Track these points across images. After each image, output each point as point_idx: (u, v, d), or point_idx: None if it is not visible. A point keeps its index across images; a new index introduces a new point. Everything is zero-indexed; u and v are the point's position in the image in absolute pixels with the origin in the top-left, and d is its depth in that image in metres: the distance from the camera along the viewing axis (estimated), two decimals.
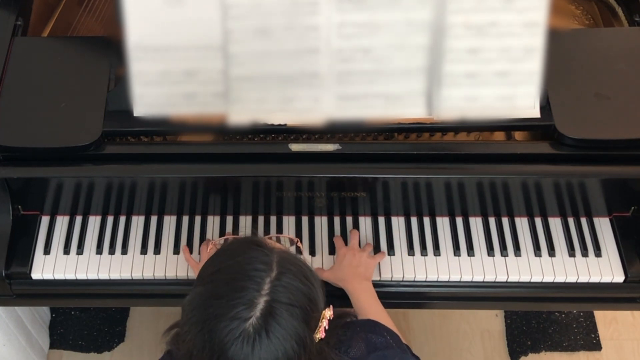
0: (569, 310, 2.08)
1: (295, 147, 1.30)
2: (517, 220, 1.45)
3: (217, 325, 0.87)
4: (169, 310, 2.06)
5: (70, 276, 1.39)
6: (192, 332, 0.91)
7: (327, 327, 0.95)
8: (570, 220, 1.45)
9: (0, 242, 1.37)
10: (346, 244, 1.41)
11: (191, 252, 1.41)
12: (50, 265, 1.39)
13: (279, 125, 1.27)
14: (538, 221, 1.45)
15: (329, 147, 1.30)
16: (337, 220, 1.45)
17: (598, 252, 1.41)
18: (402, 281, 1.40)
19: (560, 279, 1.39)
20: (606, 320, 2.10)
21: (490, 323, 2.09)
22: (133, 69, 1.24)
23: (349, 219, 1.45)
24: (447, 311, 2.10)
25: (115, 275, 1.39)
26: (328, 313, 0.96)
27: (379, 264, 1.40)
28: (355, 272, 1.34)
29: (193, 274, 1.38)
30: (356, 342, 1.08)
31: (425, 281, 1.40)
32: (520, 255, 1.41)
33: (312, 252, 1.42)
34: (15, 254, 1.38)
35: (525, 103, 1.27)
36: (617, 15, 1.56)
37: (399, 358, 1.09)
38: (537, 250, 1.41)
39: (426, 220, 1.45)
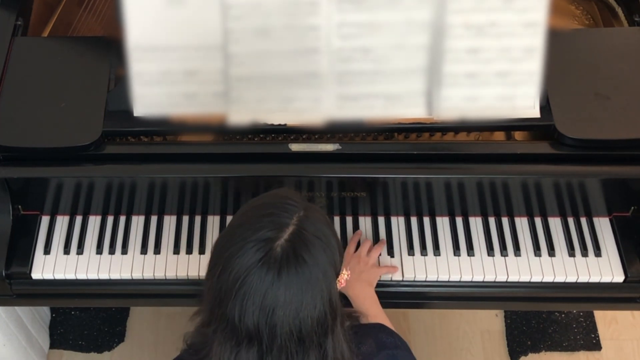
0: (569, 310, 2.08)
1: (295, 147, 1.30)
2: (517, 220, 1.45)
3: (243, 247, 0.86)
4: (169, 310, 2.06)
5: (70, 276, 1.39)
6: (216, 267, 0.88)
7: (346, 280, 0.96)
8: (570, 220, 1.45)
9: (0, 242, 1.37)
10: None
11: (190, 252, 1.40)
12: (50, 265, 1.39)
13: (279, 125, 1.27)
14: (538, 221, 1.45)
15: (329, 147, 1.30)
16: (337, 220, 1.45)
17: (598, 252, 1.41)
18: (402, 281, 1.40)
19: (560, 279, 1.39)
20: (606, 320, 2.10)
21: (490, 323, 2.09)
22: (133, 69, 1.24)
23: (349, 219, 1.45)
24: (447, 311, 2.10)
25: (115, 275, 1.39)
26: (346, 273, 0.97)
27: (380, 263, 1.40)
28: (359, 278, 1.33)
29: (193, 274, 1.38)
30: (366, 339, 1.07)
31: (425, 281, 1.40)
32: (520, 255, 1.41)
33: None
34: (15, 254, 1.38)
35: (525, 103, 1.27)
36: (617, 15, 1.56)
37: None
38: (537, 250, 1.41)
39: (426, 220, 1.45)
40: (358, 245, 1.41)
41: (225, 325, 0.89)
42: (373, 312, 1.28)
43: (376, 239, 1.43)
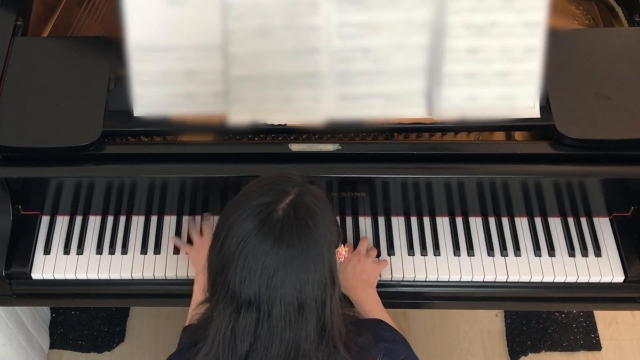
0: (569, 310, 2.08)
1: (295, 147, 1.30)
2: (517, 220, 1.45)
3: (245, 211, 0.86)
4: (169, 310, 2.06)
5: (70, 276, 1.39)
6: (218, 238, 0.89)
7: (344, 256, 0.99)
8: (570, 220, 1.45)
9: (0, 242, 1.37)
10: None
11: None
12: (50, 265, 1.39)
13: (279, 125, 1.27)
14: (538, 221, 1.45)
15: (329, 147, 1.30)
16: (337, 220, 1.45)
17: (598, 252, 1.41)
18: (402, 281, 1.40)
19: (560, 279, 1.39)
20: (606, 320, 2.10)
21: (490, 323, 2.09)
22: (133, 69, 1.24)
23: (349, 219, 1.45)
24: (447, 311, 2.10)
25: (115, 275, 1.39)
26: (344, 250, 0.99)
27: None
28: (360, 279, 1.33)
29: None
30: (364, 332, 1.07)
31: (425, 281, 1.40)
32: (520, 255, 1.41)
33: None
34: (15, 254, 1.38)
35: (525, 103, 1.27)
36: (617, 15, 1.56)
37: (406, 355, 1.08)
38: (537, 250, 1.41)
39: (426, 220, 1.45)
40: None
41: (225, 292, 0.89)
42: (377, 315, 1.28)
43: (376, 239, 1.42)
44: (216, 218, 1.43)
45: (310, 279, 0.87)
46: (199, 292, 1.29)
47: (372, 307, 1.29)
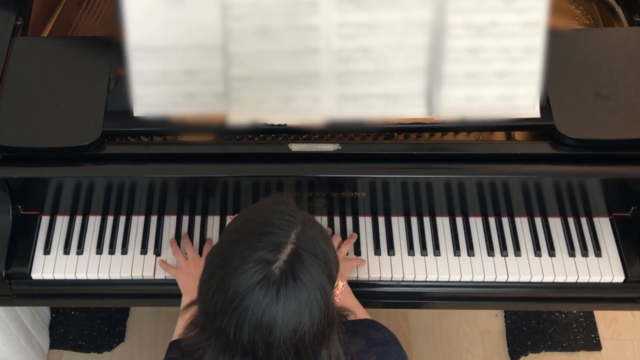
0: (569, 310, 2.08)
1: (295, 147, 1.30)
2: (517, 220, 1.45)
3: (241, 267, 0.85)
4: (169, 310, 2.06)
5: (70, 276, 1.39)
6: (212, 280, 0.88)
7: (341, 290, 0.96)
8: (570, 220, 1.45)
9: (0, 242, 1.37)
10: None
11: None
12: (50, 265, 1.39)
13: (279, 125, 1.27)
14: (538, 221, 1.45)
15: (329, 147, 1.30)
16: (337, 220, 1.45)
17: (598, 252, 1.41)
18: (402, 281, 1.40)
19: (560, 279, 1.39)
20: (606, 320, 2.10)
21: (490, 323, 2.09)
22: (133, 69, 1.24)
23: (349, 219, 1.45)
24: (447, 311, 2.10)
25: (115, 275, 1.39)
26: (341, 283, 0.96)
27: (380, 263, 1.40)
28: None
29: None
30: (356, 338, 1.07)
31: (425, 281, 1.40)
32: (520, 255, 1.41)
33: None
34: (15, 254, 1.38)
35: (525, 103, 1.27)
36: (617, 15, 1.56)
37: (397, 355, 1.09)
38: (537, 250, 1.41)
39: (426, 220, 1.45)
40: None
41: (218, 337, 0.88)
42: (349, 304, 1.28)
43: (376, 239, 1.43)
44: (216, 219, 1.45)
45: (308, 330, 0.87)
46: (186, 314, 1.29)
47: (346, 300, 1.29)
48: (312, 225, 0.92)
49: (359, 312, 1.26)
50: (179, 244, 1.41)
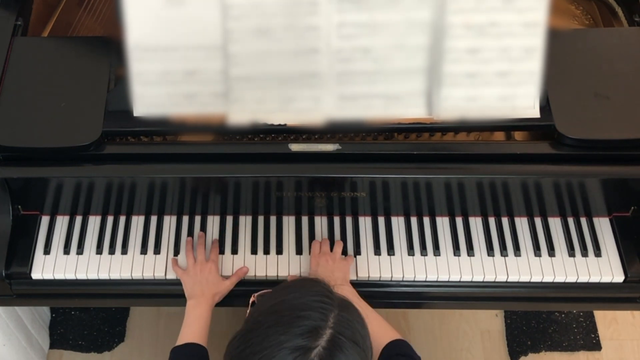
0: (569, 310, 2.08)
1: (295, 147, 1.30)
2: (517, 220, 1.45)
3: (279, 352, 0.83)
4: (169, 310, 2.06)
5: (70, 276, 1.39)
6: (248, 347, 0.86)
7: None
8: (570, 220, 1.45)
9: (0, 242, 1.37)
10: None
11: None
12: (50, 265, 1.39)
13: (279, 125, 1.27)
14: (538, 221, 1.45)
15: (329, 147, 1.30)
16: (337, 220, 1.45)
17: (598, 252, 1.41)
18: (402, 281, 1.40)
19: (560, 279, 1.39)
20: (606, 320, 2.10)
21: (490, 323, 2.09)
22: (133, 69, 1.24)
23: (349, 219, 1.45)
24: (447, 311, 2.10)
25: (115, 275, 1.39)
26: None
27: (380, 263, 1.40)
28: (332, 278, 1.32)
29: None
30: None
31: (425, 281, 1.40)
32: (520, 255, 1.41)
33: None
34: (15, 254, 1.38)
35: (525, 103, 1.27)
36: (617, 15, 1.56)
37: None
38: (537, 250, 1.41)
39: (426, 220, 1.45)
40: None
41: None
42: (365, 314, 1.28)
43: (376, 239, 1.42)
44: (216, 219, 1.45)
45: None
46: (191, 317, 1.29)
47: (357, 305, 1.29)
48: (348, 307, 0.90)
49: (374, 319, 1.25)
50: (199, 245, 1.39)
